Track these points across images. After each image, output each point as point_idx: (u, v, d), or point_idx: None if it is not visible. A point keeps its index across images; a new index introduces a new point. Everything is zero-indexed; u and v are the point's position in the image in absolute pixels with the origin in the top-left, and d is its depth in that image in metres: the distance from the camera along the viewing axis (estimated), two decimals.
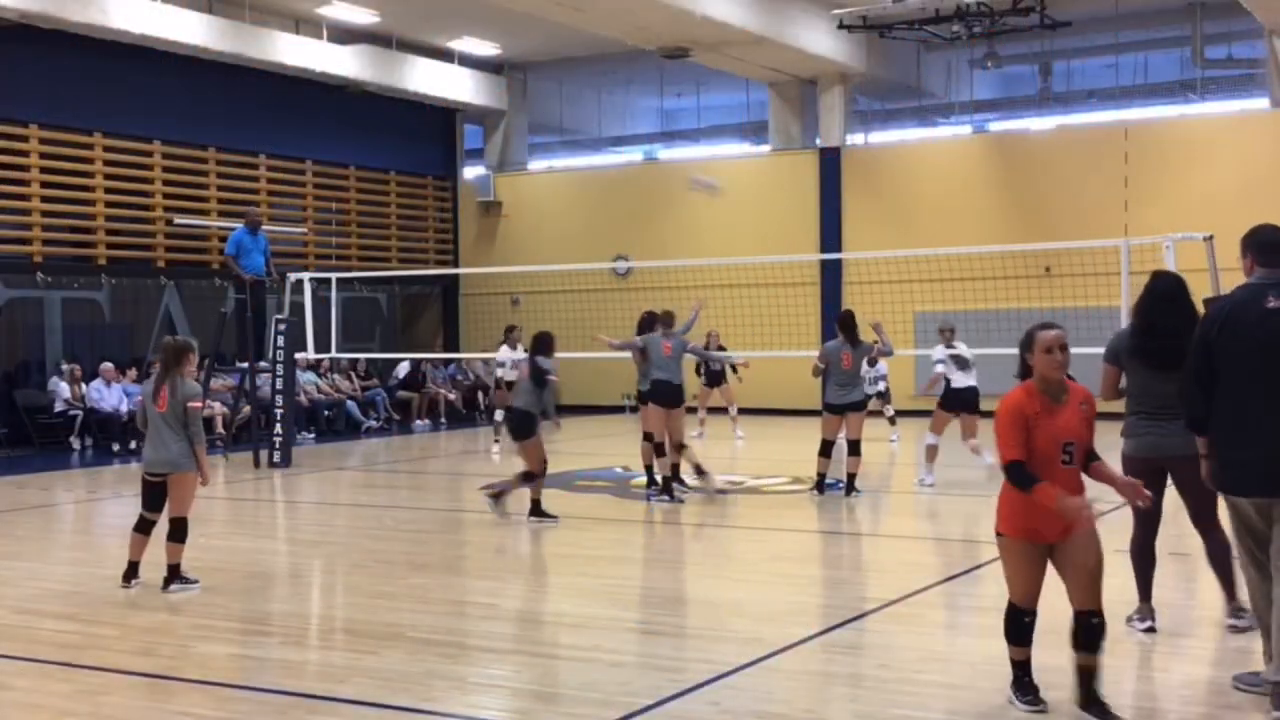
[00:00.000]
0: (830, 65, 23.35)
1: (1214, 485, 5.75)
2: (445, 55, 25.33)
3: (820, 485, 12.80)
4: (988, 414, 16.00)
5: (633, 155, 29.24)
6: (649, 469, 12.98)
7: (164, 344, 9.00)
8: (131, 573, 8.84)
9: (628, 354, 13.31)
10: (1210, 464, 5.72)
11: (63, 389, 18.98)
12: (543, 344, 11.59)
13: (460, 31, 24.19)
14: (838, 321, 12.85)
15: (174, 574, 8.69)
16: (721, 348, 18.93)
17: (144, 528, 8.85)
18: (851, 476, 12.73)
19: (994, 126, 25.57)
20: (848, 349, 12.61)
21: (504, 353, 17.47)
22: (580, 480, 14.31)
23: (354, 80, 23.50)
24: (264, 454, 16.55)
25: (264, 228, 17.68)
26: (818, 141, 24.77)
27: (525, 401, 11.31)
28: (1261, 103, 22.33)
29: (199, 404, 8.71)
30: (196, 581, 8.76)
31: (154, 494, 8.79)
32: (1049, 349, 5.38)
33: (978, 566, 9.14)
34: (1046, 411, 5.37)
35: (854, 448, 12.69)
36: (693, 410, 17.79)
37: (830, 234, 24.13)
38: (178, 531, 8.67)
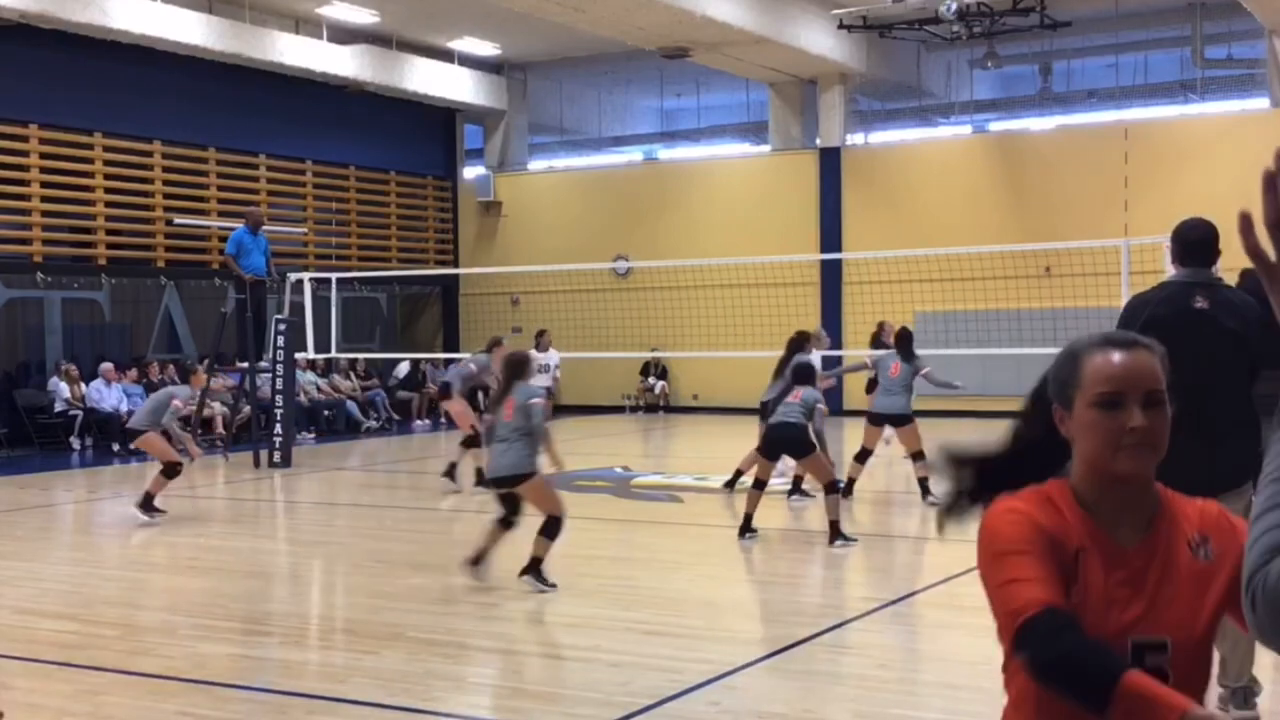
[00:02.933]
0: (830, 65, 23.34)
1: None
2: (445, 55, 25.33)
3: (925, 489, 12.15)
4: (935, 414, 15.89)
5: (633, 155, 29.24)
6: None
7: (505, 359, 9.33)
8: (478, 558, 8.65)
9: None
10: None
11: (62, 389, 18.98)
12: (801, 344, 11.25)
13: (460, 31, 24.19)
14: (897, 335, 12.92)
15: (534, 566, 8.51)
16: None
17: (504, 524, 8.71)
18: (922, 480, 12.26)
19: (994, 126, 25.56)
20: (897, 359, 12.55)
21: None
22: (580, 480, 14.31)
23: (354, 80, 23.49)
24: (264, 454, 16.55)
25: (264, 228, 17.69)
26: (818, 141, 24.76)
27: (794, 417, 10.51)
28: (1261, 103, 22.32)
29: (541, 401, 8.69)
30: (553, 586, 8.46)
31: (505, 501, 8.72)
32: (1113, 400, 2.20)
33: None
34: (1098, 555, 2.20)
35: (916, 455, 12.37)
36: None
37: (830, 234, 24.12)
38: (548, 528, 8.50)
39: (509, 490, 8.65)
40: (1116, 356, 2.22)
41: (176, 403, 11.93)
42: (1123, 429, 2.17)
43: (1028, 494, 2.23)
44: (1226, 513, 2.28)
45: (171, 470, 11.71)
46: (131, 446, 12.45)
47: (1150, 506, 2.23)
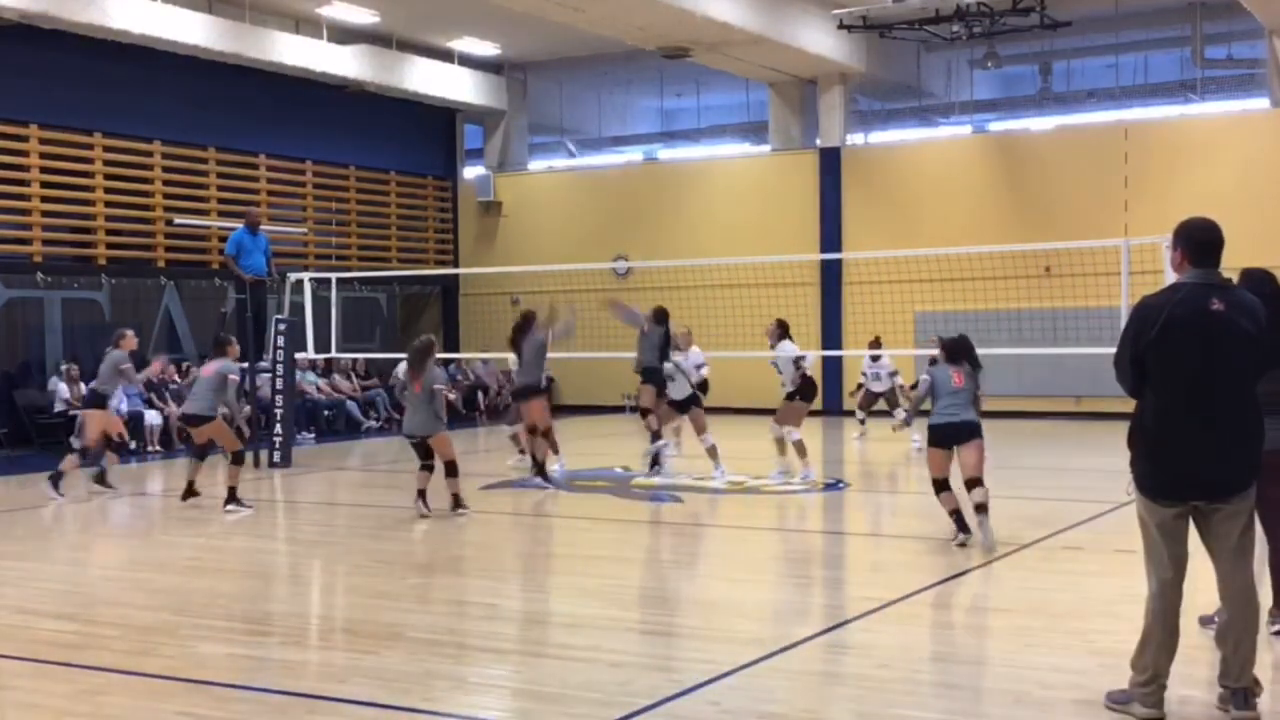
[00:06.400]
0: (830, 65, 23.35)
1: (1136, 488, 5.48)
2: (445, 55, 25.33)
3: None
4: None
5: (633, 155, 29.25)
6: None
7: (411, 348, 12.14)
8: (421, 496, 11.85)
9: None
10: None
11: (62, 389, 18.97)
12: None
13: (460, 31, 24.19)
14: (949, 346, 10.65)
15: (456, 501, 11.87)
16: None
17: (427, 468, 12.05)
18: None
19: (994, 126, 25.56)
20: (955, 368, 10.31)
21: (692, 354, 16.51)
22: (580, 480, 14.31)
23: (354, 80, 23.49)
24: (264, 454, 16.55)
25: (264, 228, 17.68)
26: (818, 141, 24.77)
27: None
28: (1261, 103, 22.33)
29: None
30: (466, 509, 11.80)
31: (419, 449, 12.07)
32: None
33: (978, 567, 9.14)
34: None
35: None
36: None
37: (830, 234, 24.13)
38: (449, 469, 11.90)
39: (420, 441, 11.93)
40: None
41: (126, 366, 13.37)
42: None
43: None
44: None
45: (82, 454, 13.57)
46: (80, 420, 14.16)
47: None
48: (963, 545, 9.69)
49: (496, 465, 15.89)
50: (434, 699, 6.02)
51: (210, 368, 12.79)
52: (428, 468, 12.00)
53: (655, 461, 14.21)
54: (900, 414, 17.38)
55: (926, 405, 10.27)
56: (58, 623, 7.72)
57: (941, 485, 9.96)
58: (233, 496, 12.47)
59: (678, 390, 14.43)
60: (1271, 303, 5.89)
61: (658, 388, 14.23)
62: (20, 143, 19.79)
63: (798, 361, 14.19)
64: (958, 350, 10.29)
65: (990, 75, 24.65)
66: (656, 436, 14.22)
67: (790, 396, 14.13)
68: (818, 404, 23.37)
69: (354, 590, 8.87)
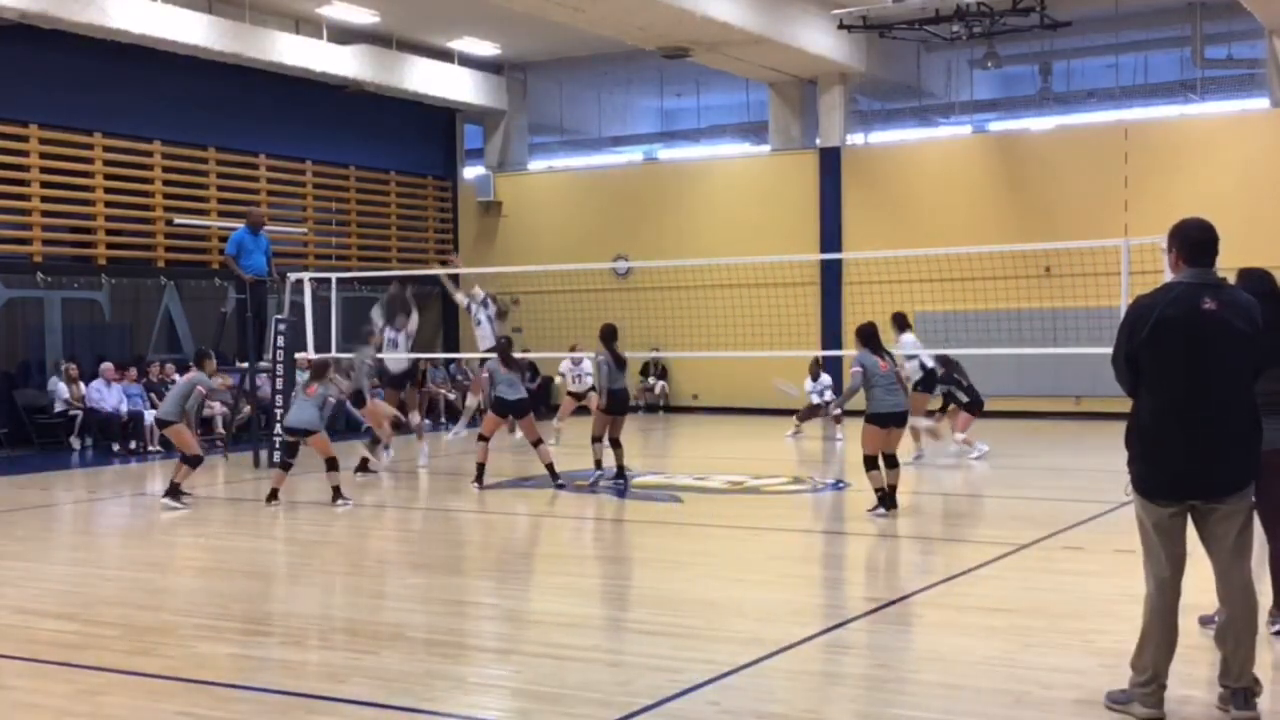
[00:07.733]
0: (830, 65, 23.35)
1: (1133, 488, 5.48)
2: (445, 55, 25.33)
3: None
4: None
5: (633, 155, 29.23)
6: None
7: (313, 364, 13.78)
8: (273, 496, 12.77)
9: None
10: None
11: (62, 389, 18.98)
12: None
13: (460, 31, 24.20)
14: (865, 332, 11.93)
15: (337, 493, 12.82)
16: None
17: (285, 466, 13.14)
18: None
19: (994, 126, 25.55)
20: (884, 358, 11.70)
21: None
22: (580, 480, 14.31)
23: (354, 80, 23.49)
24: (264, 454, 16.55)
25: (264, 228, 17.70)
26: (818, 141, 24.76)
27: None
28: (1261, 103, 22.32)
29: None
30: (348, 500, 12.80)
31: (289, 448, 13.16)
32: None
33: (978, 566, 9.14)
34: None
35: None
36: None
37: (830, 234, 24.12)
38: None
39: (299, 438, 12.87)
40: None
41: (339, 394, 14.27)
42: None
43: None
44: None
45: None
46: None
47: None
48: (882, 516, 11.23)
49: (497, 465, 15.89)
50: (434, 699, 6.03)
51: (185, 377, 13.99)
52: (287, 466, 13.01)
53: (596, 483, 13.95)
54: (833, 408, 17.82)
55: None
56: (58, 623, 7.73)
57: (873, 463, 11.35)
58: (173, 491, 12.76)
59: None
60: (1270, 302, 5.89)
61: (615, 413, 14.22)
62: (20, 143, 19.79)
63: (909, 359, 15.10)
64: (870, 335, 11.72)
65: (990, 75, 24.63)
66: (599, 465, 14.09)
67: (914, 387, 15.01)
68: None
69: (354, 590, 8.88)
